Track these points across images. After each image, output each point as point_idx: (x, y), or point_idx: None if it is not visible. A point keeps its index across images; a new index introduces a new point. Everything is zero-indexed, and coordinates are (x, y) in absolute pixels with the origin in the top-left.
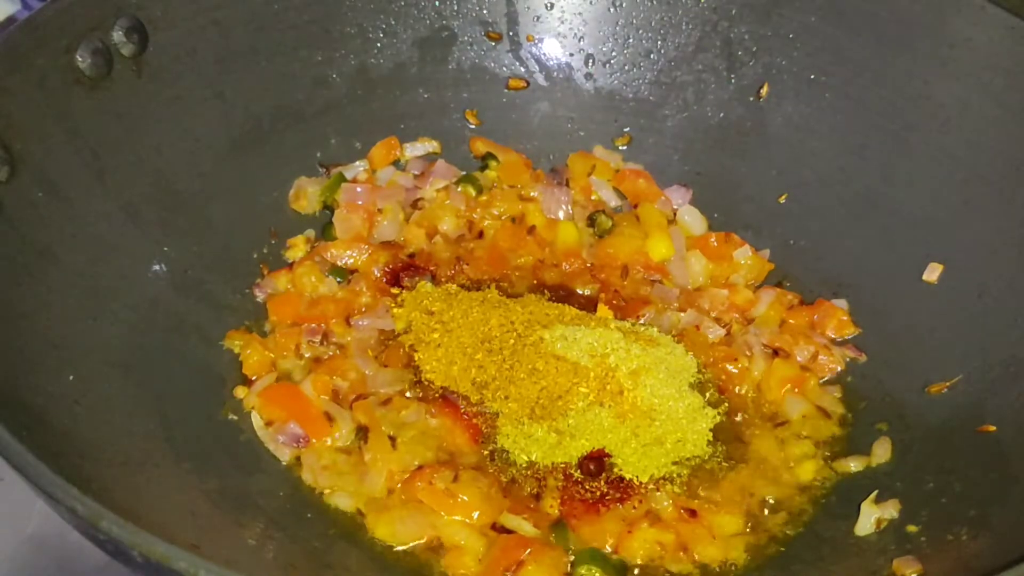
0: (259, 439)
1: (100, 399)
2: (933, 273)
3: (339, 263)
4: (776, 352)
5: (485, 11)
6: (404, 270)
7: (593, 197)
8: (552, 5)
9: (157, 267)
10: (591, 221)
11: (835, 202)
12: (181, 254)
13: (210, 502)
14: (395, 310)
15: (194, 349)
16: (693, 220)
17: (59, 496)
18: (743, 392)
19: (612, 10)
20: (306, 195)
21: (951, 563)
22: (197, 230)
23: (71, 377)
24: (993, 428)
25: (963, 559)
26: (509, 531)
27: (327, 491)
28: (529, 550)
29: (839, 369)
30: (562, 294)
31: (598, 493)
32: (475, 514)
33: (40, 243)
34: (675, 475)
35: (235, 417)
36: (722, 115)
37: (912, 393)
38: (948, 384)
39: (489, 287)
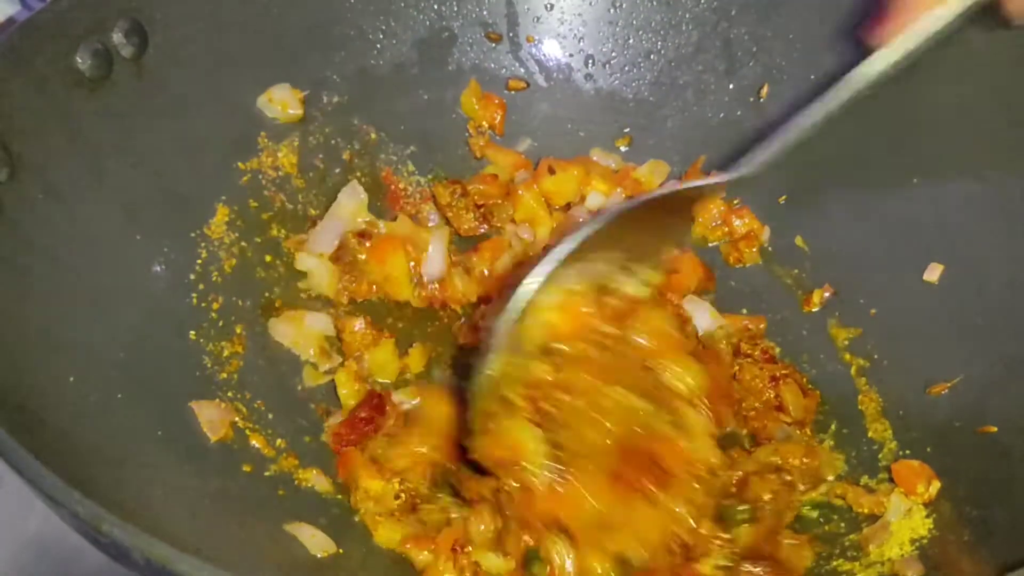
0: (259, 439)
1: (100, 400)
2: (934, 273)
3: None
4: None
5: (485, 12)
6: None
7: None
8: (552, 6)
9: (158, 268)
10: None
11: (835, 202)
12: (181, 256)
13: (212, 503)
14: None
15: (195, 350)
16: None
17: (60, 498)
18: None
19: (612, 11)
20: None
21: (954, 564)
22: (198, 232)
23: (71, 379)
24: (994, 428)
25: (967, 560)
26: None
27: None
28: None
29: None
30: None
31: None
32: None
33: (40, 244)
34: None
35: (237, 419)
36: (722, 115)
37: (913, 394)
38: (949, 385)
39: None
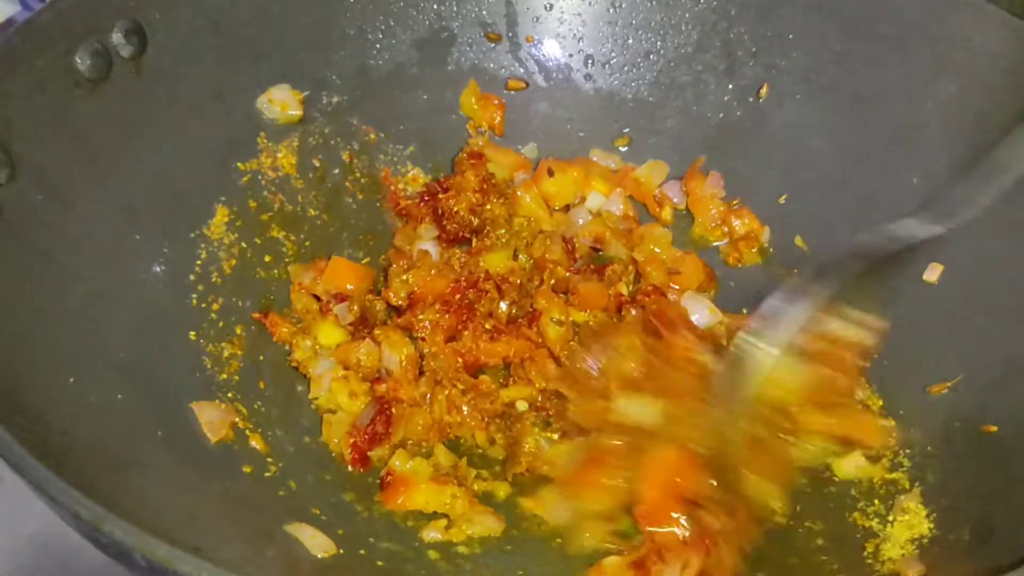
0: (259, 440)
1: (101, 402)
2: (933, 273)
3: None
4: None
5: (484, 12)
6: None
7: None
8: (551, 6)
9: (157, 269)
10: None
11: (835, 202)
12: (181, 257)
13: (212, 505)
14: None
15: (195, 351)
16: None
17: (62, 499)
18: None
19: (611, 11)
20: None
21: (954, 564)
22: (197, 233)
23: (72, 380)
24: (994, 428)
25: (967, 559)
26: None
27: None
28: None
29: None
30: None
31: None
32: None
33: (40, 246)
34: None
35: (237, 420)
36: (722, 115)
37: (913, 394)
38: (949, 384)
39: None
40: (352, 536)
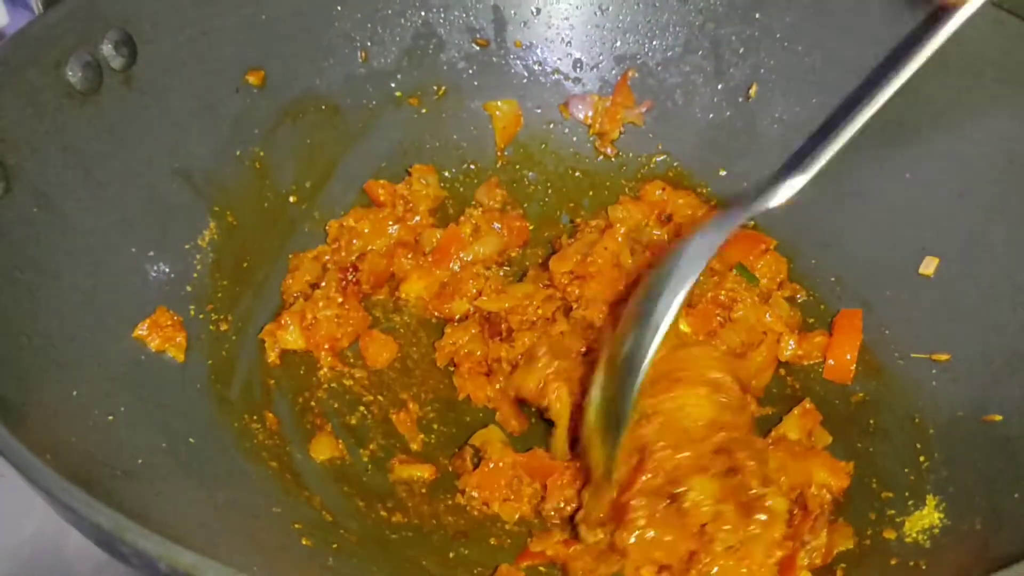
0: (268, 449)
1: (104, 414)
2: (929, 266)
3: None
4: None
5: (472, 18)
6: None
7: None
8: (539, 11)
9: (153, 280)
10: None
11: (828, 199)
12: (177, 268)
13: (220, 514)
14: None
15: (195, 363)
16: None
17: (84, 511)
18: None
19: (599, 14)
20: None
21: (967, 552)
22: (192, 244)
23: (74, 393)
24: (999, 417)
25: (980, 548)
26: None
27: None
28: None
29: None
30: None
31: None
32: None
33: (37, 259)
34: None
35: (240, 424)
36: (711, 116)
37: (913, 383)
38: (950, 375)
39: None
40: (363, 540)
